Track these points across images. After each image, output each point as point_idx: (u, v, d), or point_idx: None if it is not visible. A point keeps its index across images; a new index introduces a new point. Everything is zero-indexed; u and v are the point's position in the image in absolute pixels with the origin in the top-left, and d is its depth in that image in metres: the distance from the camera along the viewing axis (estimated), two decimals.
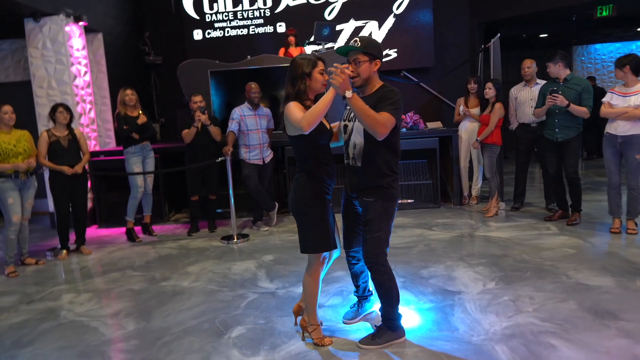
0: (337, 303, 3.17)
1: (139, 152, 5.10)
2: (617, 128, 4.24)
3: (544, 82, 5.03)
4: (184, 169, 5.33)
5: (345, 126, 2.59)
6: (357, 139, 2.49)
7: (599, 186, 6.63)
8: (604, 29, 10.17)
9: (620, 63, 4.21)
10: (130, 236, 5.18)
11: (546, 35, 10.48)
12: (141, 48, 8.00)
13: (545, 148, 4.95)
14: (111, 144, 6.89)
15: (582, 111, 4.52)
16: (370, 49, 2.43)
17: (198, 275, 3.93)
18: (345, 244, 2.74)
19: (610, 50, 11.95)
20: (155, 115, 8.14)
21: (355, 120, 2.52)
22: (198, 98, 5.13)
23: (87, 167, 4.88)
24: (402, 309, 2.64)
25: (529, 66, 5.32)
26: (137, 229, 5.35)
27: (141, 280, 3.89)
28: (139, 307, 3.33)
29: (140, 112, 5.09)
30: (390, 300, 2.54)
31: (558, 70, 4.64)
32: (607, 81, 11.77)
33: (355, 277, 2.85)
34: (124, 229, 5.30)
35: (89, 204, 5.93)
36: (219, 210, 5.74)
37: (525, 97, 5.31)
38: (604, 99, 4.38)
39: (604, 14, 7.81)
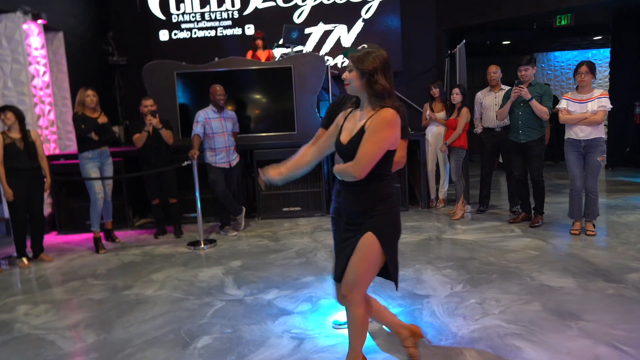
0: (306, 310, 3.13)
1: (96, 158, 4.86)
2: (579, 133, 4.39)
3: (508, 87, 5.15)
4: (139, 175, 5.21)
5: None
6: None
7: (559, 188, 6.85)
8: (562, 37, 10.58)
9: (594, 68, 4.36)
10: (97, 246, 4.91)
11: (508, 42, 10.80)
12: (104, 48, 7.76)
13: (511, 151, 5.08)
14: (72, 147, 6.62)
15: (542, 110, 4.65)
16: None
17: (163, 282, 3.81)
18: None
19: (568, 58, 12.43)
20: (119, 117, 7.90)
21: None
22: (149, 102, 5.04)
23: (47, 171, 4.65)
24: None
25: (495, 71, 5.45)
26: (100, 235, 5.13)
27: (102, 289, 3.74)
28: (100, 317, 3.20)
29: (101, 114, 4.91)
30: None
31: (533, 73, 4.77)
32: (565, 87, 12.24)
33: None
34: (85, 236, 5.10)
35: (48, 210, 5.69)
36: (188, 215, 5.61)
37: (490, 102, 5.43)
38: (559, 106, 4.52)
39: (563, 22, 8.12)
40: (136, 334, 2.90)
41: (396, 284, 2.16)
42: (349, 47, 2.46)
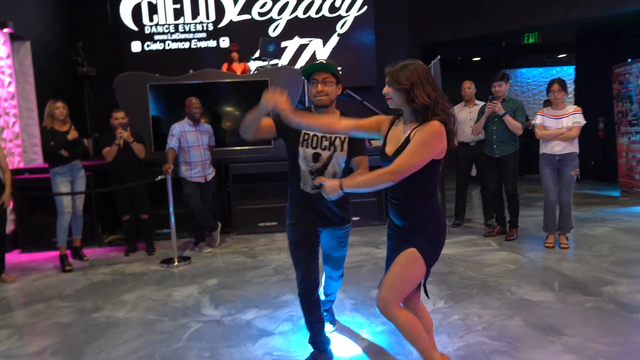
0: (287, 330, 3.04)
1: (66, 172, 4.66)
2: (554, 148, 4.50)
3: (482, 103, 5.25)
4: (111, 189, 5.03)
5: (318, 155, 2.44)
6: (338, 168, 2.46)
7: (531, 202, 7.00)
8: (530, 54, 10.96)
9: (565, 85, 4.54)
10: (62, 264, 4.68)
11: (479, 58, 11.11)
12: (74, 58, 7.52)
13: (486, 166, 5.15)
14: (37, 161, 6.35)
15: (515, 125, 4.75)
16: (337, 73, 2.44)
17: (135, 303, 3.64)
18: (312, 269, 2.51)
19: (534, 75, 12.87)
20: (88, 129, 7.65)
21: (333, 150, 2.42)
22: (120, 114, 4.90)
23: (9, 183, 4.40)
24: (355, 332, 2.57)
25: (469, 87, 5.55)
26: (67, 252, 4.90)
27: (70, 312, 3.54)
28: (67, 343, 3.01)
29: (72, 127, 4.72)
30: None
31: (506, 89, 4.87)
32: (532, 103, 12.64)
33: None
34: (50, 254, 4.86)
35: (11, 226, 5.40)
36: (160, 231, 5.43)
37: (465, 117, 5.51)
38: (535, 122, 4.63)
39: (531, 40, 8.42)
40: None
41: (427, 293, 2.21)
42: (305, 65, 2.42)
